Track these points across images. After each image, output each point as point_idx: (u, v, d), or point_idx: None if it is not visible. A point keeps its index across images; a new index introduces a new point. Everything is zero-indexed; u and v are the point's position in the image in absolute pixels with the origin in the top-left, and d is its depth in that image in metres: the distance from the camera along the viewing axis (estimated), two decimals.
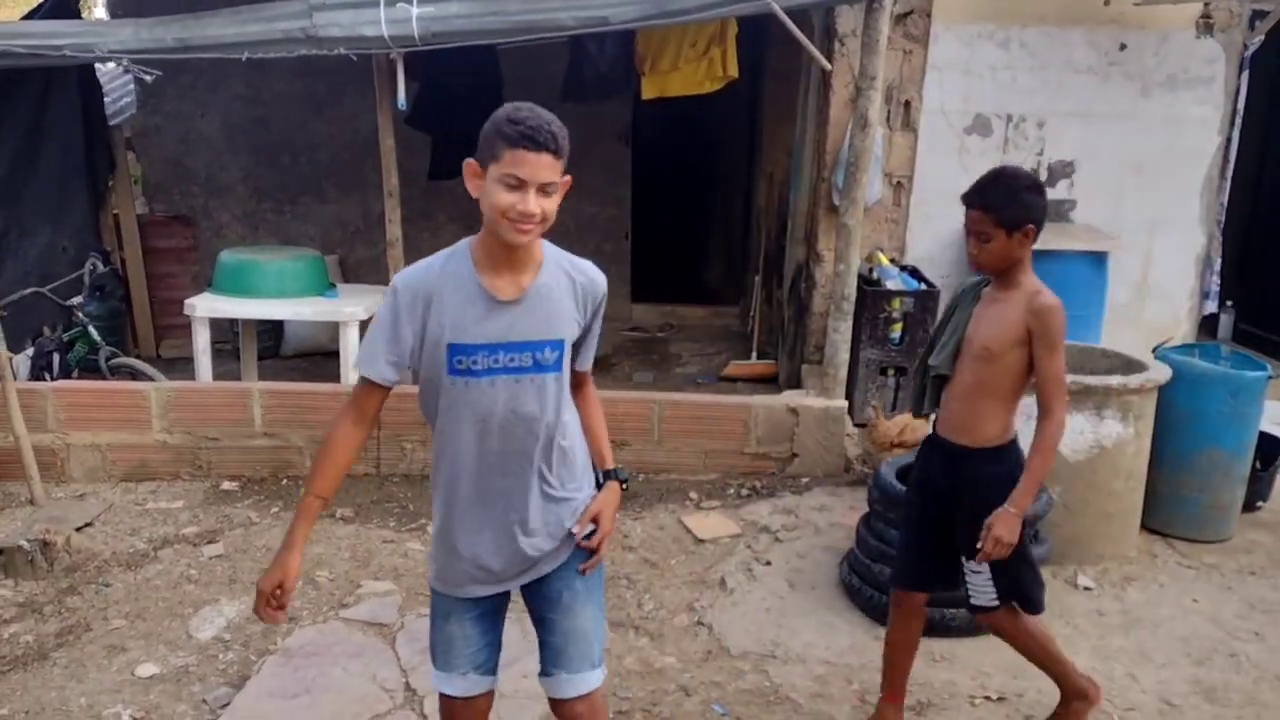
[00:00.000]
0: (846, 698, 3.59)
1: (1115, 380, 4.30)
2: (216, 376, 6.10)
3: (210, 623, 4.04)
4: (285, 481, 5.30)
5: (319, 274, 6.29)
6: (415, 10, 4.93)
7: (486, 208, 2.22)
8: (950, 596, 3.87)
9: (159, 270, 8.06)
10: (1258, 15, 6.02)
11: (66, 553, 4.44)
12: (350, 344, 5.81)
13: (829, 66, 5.47)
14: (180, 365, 7.12)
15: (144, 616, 4.09)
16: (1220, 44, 6.06)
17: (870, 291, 5.71)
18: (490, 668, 2.56)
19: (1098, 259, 5.86)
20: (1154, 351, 4.78)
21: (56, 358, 6.01)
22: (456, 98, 6.81)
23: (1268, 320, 7.25)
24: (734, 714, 3.48)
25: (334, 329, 6.17)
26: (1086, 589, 4.31)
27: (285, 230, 8.34)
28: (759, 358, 7.38)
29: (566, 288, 2.38)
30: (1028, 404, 3.01)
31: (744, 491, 5.19)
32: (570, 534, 2.47)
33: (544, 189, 2.21)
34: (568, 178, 2.29)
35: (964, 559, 3.09)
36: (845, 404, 5.35)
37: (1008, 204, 2.83)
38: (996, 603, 3.10)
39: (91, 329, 6.24)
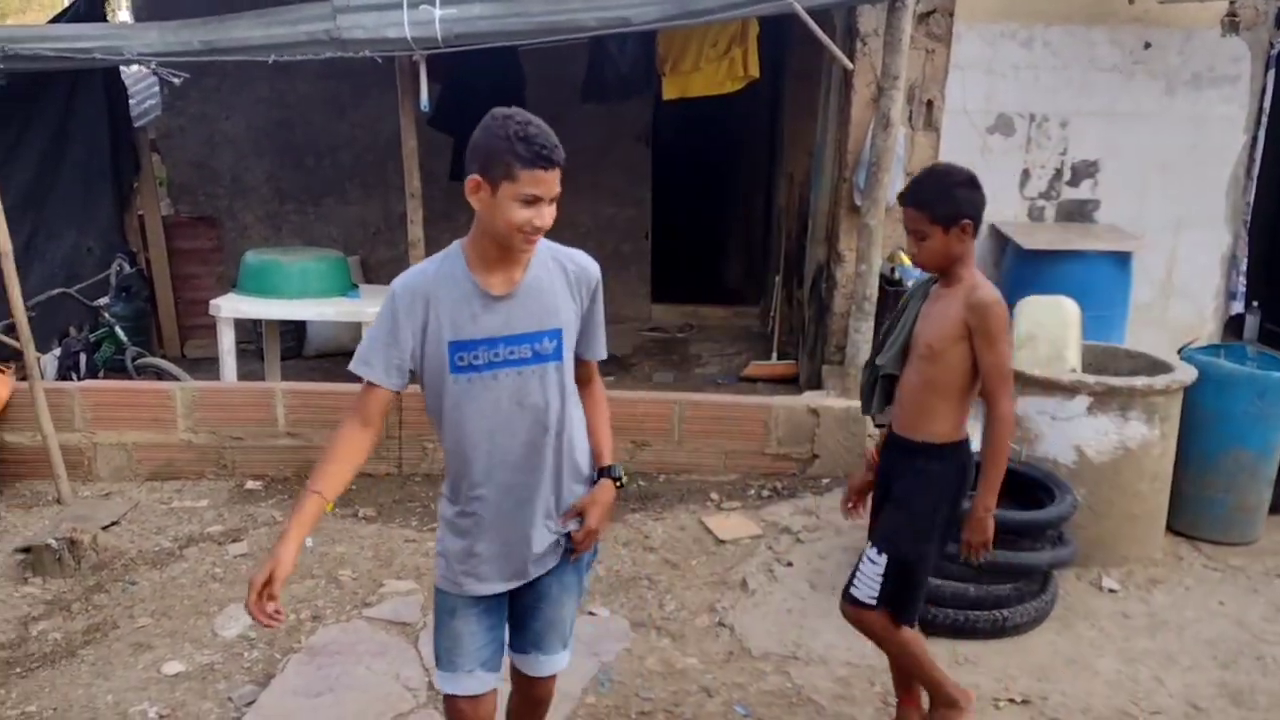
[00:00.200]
0: (869, 699, 3.58)
1: (1140, 381, 4.28)
2: (240, 377, 6.14)
3: (235, 621, 4.07)
4: (308, 481, 5.32)
5: (342, 275, 6.32)
6: (438, 12, 4.95)
7: (499, 222, 2.27)
8: (972, 599, 3.89)
9: (183, 271, 8.12)
10: None
11: (93, 551, 4.48)
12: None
13: (851, 66, 5.46)
14: (204, 365, 7.18)
15: (170, 615, 4.12)
16: (1246, 42, 6.00)
17: (892, 291, 5.67)
18: (495, 665, 2.58)
19: (1121, 259, 5.81)
20: (1179, 352, 4.75)
21: (83, 358, 6.06)
22: (478, 99, 6.74)
23: None
24: (756, 715, 3.48)
25: (356, 329, 6.20)
26: (1111, 591, 4.29)
27: (308, 231, 8.38)
28: (779, 358, 7.37)
29: (559, 277, 2.44)
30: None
31: (765, 492, 5.19)
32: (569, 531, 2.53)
33: (552, 200, 2.30)
34: None
35: (868, 543, 3.09)
36: None
37: (941, 201, 2.82)
38: (874, 602, 3.04)
39: (118, 329, 6.30)
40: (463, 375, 2.37)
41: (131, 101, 8.03)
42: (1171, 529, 4.67)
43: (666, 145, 8.89)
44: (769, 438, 5.30)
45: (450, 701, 2.58)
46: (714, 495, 5.15)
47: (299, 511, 2.36)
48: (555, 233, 2.39)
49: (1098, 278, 5.65)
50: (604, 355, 2.61)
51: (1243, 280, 6.34)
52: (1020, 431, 4.37)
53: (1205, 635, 3.98)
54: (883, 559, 3.01)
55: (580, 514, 2.52)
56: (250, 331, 7.39)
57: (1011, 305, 4.81)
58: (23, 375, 5.17)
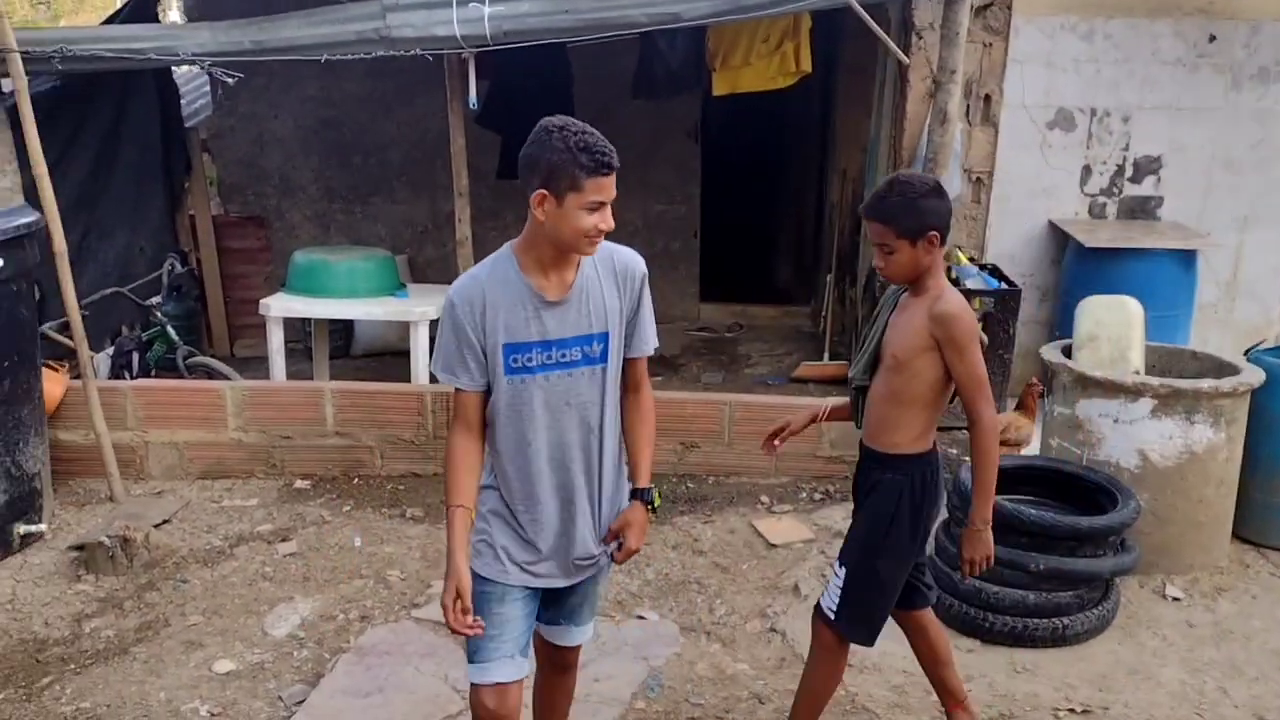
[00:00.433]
0: (925, 708, 3.50)
1: (1206, 384, 4.15)
2: (289, 376, 6.16)
3: (285, 620, 4.07)
4: (356, 481, 5.33)
5: (390, 274, 6.32)
6: (487, 9, 4.94)
7: (565, 231, 2.35)
8: (1031, 606, 3.79)
9: (233, 270, 8.18)
10: None
11: (145, 549, 4.51)
12: (420, 344, 5.82)
13: (906, 60, 5.36)
14: (253, 364, 7.23)
15: (220, 613, 4.13)
16: None
17: None
18: (526, 649, 2.64)
19: (1186, 257, 5.67)
20: (1246, 354, 4.60)
21: (136, 357, 6.12)
22: (526, 96, 6.80)
23: None
24: None
25: (403, 328, 6.20)
26: (1175, 599, 4.17)
27: (355, 230, 8.41)
28: (831, 359, 7.27)
29: (608, 277, 2.52)
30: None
31: (816, 495, 5.10)
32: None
33: (612, 204, 2.39)
34: None
35: (836, 558, 3.03)
36: None
37: (905, 214, 2.73)
38: (833, 614, 2.99)
39: (170, 328, 6.35)
40: (516, 376, 2.46)
41: (182, 101, 8.10)
42: (1238, 536, 4.54)
43: (716, 142, 8.81)
44: (821, 440, 5.22)
45: (479, 695, 2.58)
46: (764, 498, 5.07)
47: (454, 530, 2.46)
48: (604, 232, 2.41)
49: (1161, 277, 5.52)
50: (653, 347, 2.65)
51: None
52: (1082, 435, 4.27)
53: (1272, 645, 3.87)
54: (843, 571, 2.98)
55: (617, 536, 2.61)
56: (299, 330, 7.42)
57: (1073, 304, 4.73)
58: (77, 374, 5.22)
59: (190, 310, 7.32)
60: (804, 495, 5.10)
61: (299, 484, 5.31)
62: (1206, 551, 4.36)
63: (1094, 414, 4.24)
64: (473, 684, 2.59)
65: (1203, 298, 5.92)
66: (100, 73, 5.72)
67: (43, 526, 4.69)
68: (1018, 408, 5.00)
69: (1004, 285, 5.74)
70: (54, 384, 5.12)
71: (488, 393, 2.51)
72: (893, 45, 5.07)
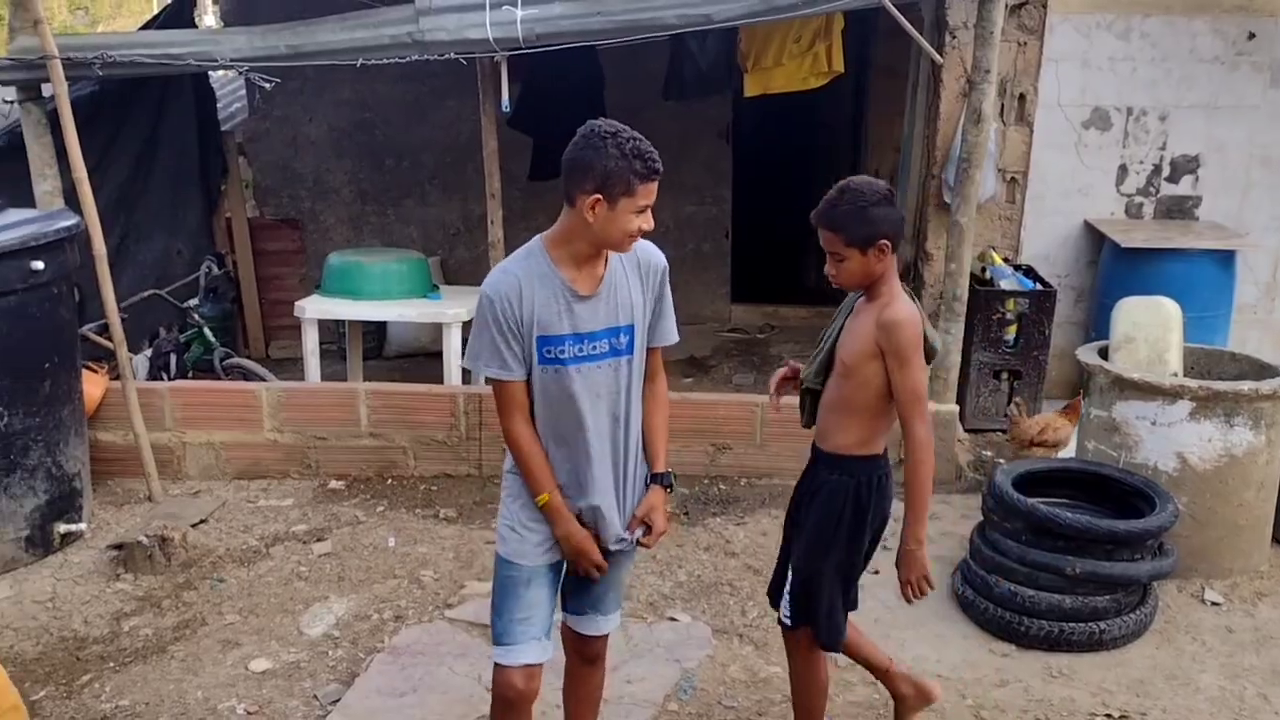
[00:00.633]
0: (960, 713, 3.48)
1: (1246, 386, 4.10)
2: (323, 377, 6.21)
3: (320, 620, 4.10)
4: (390, 481, 5.36)
5: (423, 276, 6.35)
6: (520, 12, 4.94)
7: (614, 232, 2.47)
8: (1068, 610, 3.76)
9: (268, 272, 8.24)
10: None
11: (183, 548, 4.56)
12: (453, 345, 5.85)
13: (940, 60, 5.33)
14: (288, 366, 7.29)
15: (256, 612, 4.17)
16: None
17: (983, 292, 5.54)
18: (550, 631, 2.74)
19: (1224, 258, 5.60)
20: None
21: (173, 358, 6.18)
22: (557, 99, 6.81)
23: None
24: None
25: (436, 330, 6.23)
26: (1214, 604, 4.13)
27: (388, 232, 8.46)
28: None
29: (632, 271, 2.63)
30: None
31: None
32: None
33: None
34: None
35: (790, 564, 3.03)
36: (956, 408, 5.19)
37: (855, 223, 2.72)
38: (790, 621, 3.01)
39: (207, 330, 6.42)
40: (549, 367, 2.56)
41: (218, 105, 8.18)
42: (1278, 540, 4.48)
43: (747, 142, 8.79)
44: None
45: (507, 677, 2.67)
46: None
47: (561, 512, 2.62)
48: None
49: (1199, 277, 5.46)
50: (674, 339, 2.77)
51: None
52: (1119, 437, 4.23)
53: None
54: (792, 576, 3.00)
55: (643, 521, 2.74)
56: (332, 332, 7.47)
57: (1109, 305, 4.69)
58: (116, 375, 5.28)
59: (226, 312, 7.39)
60: None
61: (333, 484, 5.35)
62: (1246, 556, 4.31)
63: (1131, 416, 4.20)
64: (501, 665, 2.68)
65: (1241, 298, 5.84)
66: (139, 78, 5.78)
67: (82, 526, 4.75)
68: (1064, 410, 4.98)
69: (1039, 286, 5.70)
70: (93, 385, 5.19)
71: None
72: (926, 45, 5.03)
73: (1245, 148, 5.92)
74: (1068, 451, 4.92)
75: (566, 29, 5.01)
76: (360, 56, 5.15)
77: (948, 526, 4.71)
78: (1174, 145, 5.94)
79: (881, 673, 3.27)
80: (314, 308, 6.13)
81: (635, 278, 2.62)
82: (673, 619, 4.05)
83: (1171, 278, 5.32)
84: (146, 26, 7.52)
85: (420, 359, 7.70)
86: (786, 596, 3.01)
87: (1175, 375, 4.28)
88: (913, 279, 6.18)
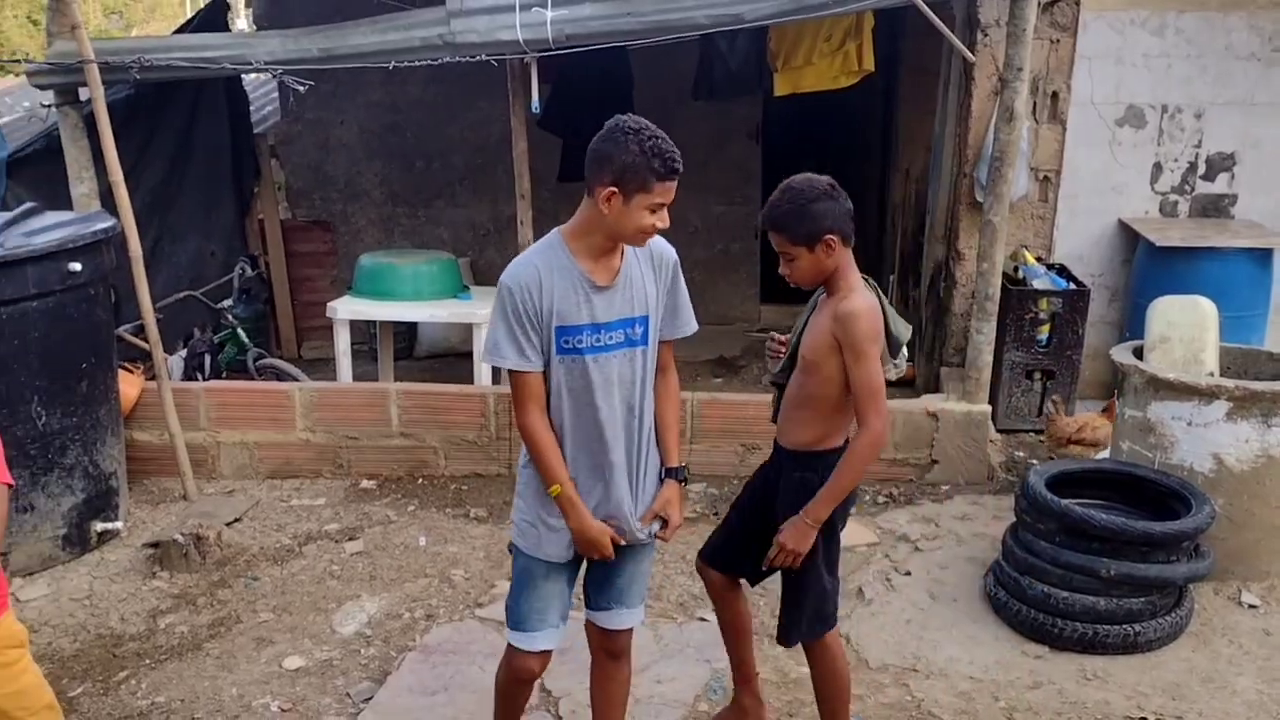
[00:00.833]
0: (994, 715, 3.46)
1: None
2: (354, 377, 6.25)
3: (352, 618, 4.13)
4: (420, 481, 5.39)
5: (453, 276, 6.39)
6: (550, 14, 4.95)
7: (627, 226, 2.50)
8: (1102, 612, 3.72)
9: (300, 274, 8.31)
10: None
11: (218, 547, 4.61)
12: (483, 346, 5.87)
13: (972, 58, 5.29)
14: (319, 366, 7.35)
15: (290, 610, 4.21)
16: None
17: (1015, 291, 5.50)
18: (566, 616, 2.84)
19: (1261, 256, 5.53)
20: None
21: (208, 359, 6.24)
22: (586, 99, 6.82)
23: None
24: None
25: (466, 330, 6.26)
26: (1252, 607, 4.07)
27: (418, 234, 8.51)
28: None
29: (645, 264, 2.66)
30: None
31: (880, 499, 5.06)
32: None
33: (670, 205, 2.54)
34: None
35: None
36: (988, 408, 5.16)
37: (798, 220, 2.72)
38: (802, 633, 3.02)
39: (240, 331, 6.48)
40: (567, 357, 2.60)
41: (251, 108, 8.26)
42: None
43: (777, 142, 8.76)
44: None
45: (524, 660, 2.80)
46: None
47: (575, 503, 2.64)
48: (665, 231, 2.55)
49: (1236, 276, 5.40)
50: (694, 328, 2.80)
51: None
52: (1154, 438, 4.18)
53: None
54: (791, 590, 3.00)
55: (659, 515, 2.78)
56: (364, 333, 7.53)
57: (1143, 305, 4.64)
58: (151, 375, 5.35)
59: (259, 313, 7.46)
60: (867, 498, 5.06)
61: (365, 484, 5.39)
62: None
63: (1166, 417, 4.15)
64: (517, 649, 2.79)
65: (1278, 297, 5.76)
66: (173, 81, 5.84)
67: (119, 524, 4.81)
68: (1104, 409, 4.94)
69: (1072, 285, 5.65)
70: (130, 385, 5.25)
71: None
72: (958, 43, 5.00)
73: None
74: (1102, 452, 4.87)
75: (596, 30, 5.02)
76: (392, 59, 5.19)
77: (980, 528, 4.68)
78: (1209, 143, 5.87)
79: (744, 680, 3.27)
80: (346, 309, 6.17)
81: (649, 270, 2.66)
82: (703, 619, 4.04)
83: (1207, 276, 5.26)
84: (181, 30, 7.59)
85: (450, 359, 7.74)
86: (797, 622, 2.99)
87: (1211, 375, 4.23)
88: (944, 278, 6.14)
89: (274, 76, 5.30)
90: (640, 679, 3.54)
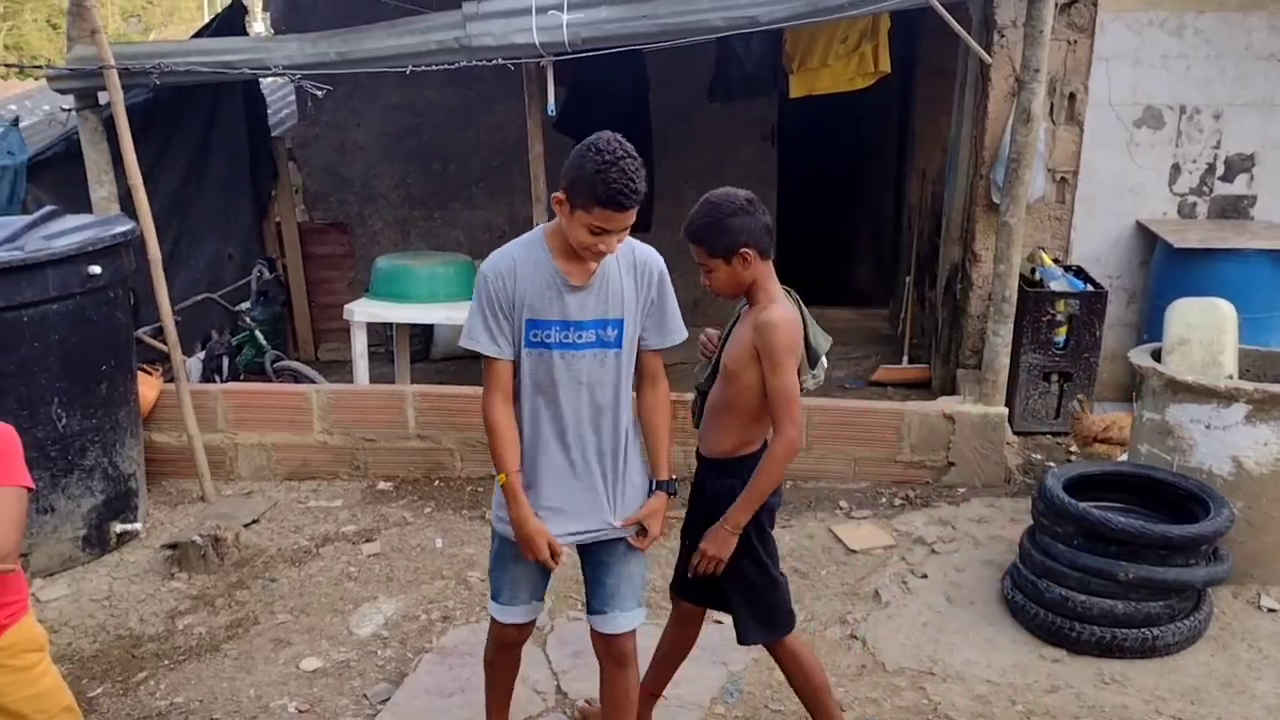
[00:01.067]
0: (1010, 718, 3.44)
1: None
2: (371, 379, 6.27)
3: (369, 619, 4.15)
4: (437, 483, 5.41)
5: (469, 279, 6.39)
6: (565, 17, 4.97)
7: (571, 234, 2.56)
8: (1120, 616, 3.70)
9: (317, 276, 8.35)
10: None
11: (236, 548, 4.63)
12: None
13: (988, 59, 5.28)
14: (336, 368, 7.38)
15: (307, 611, 4.23)
16: None
17: (1032, 293, 5.48)
18: (542, 594, 2.97)
19: None
20: None
21: (226, 360, 6.27)
22: (603, 102, 6.83)
23: None
24: None
25: None
26: (1271, 611, 4.04)
27: (435, 236, 8.54)
28: (910, 362, 7.19)
29: (627, 269, 2.70)
30: None
31: (896, 501, 5.05)
32: (634, 507, 2.83)
33: (622, 231, 2.57)
34: None
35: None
36: (1005, 411, 5.13)
37: (714, 235, 2.77)
38: (759, 637, 3.04)
39: (258, 333, 6.51)
40: (534, 350, 2.68)
41: (269, 111, 8.30)
42: None
43: (792, 143, 8.76)
44: (901, 444, 5.16)
45: (503, 630, 2.95)
46: (843, 503, 5.03)
47: (519, 496, 2.71)
48: (681, 233, 2.60)
49: (1255, 278, 5.36)
50: (682, 336, 2.82)
51: None
52: (1172, 440, 4.16)
53: None
54: (739, 598, 3.02)
55: (640, 523, 2.82)
56: (380, 335, 7.55)
57: (1161, 307, 4.61)
58: (170, 377, 5.38)
59: (277, 315, 7.50)
60: (884, 500, 5.05)
61: (381, 485, 5.41)
62: None
63: (1185, 419, 4.13)
64: (496, 620, 2.95)
65: None
66: (192, 85, 5.88)
67: (138, 525, 4.84)
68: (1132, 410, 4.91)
69: (1090, 287, 5.63)
70: (148, 387, 5.29)
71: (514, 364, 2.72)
72: (974, 44, 4.99)
73: None
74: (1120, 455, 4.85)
75: (612, 33, 5.03)
76: (409, 63, 5.21)
77: (997, 530, 4.67)
78: (1228, 144, 5.83)
79: (648, 695, 3.28)
80: (362, 311, 6.19)
81: (630, 275, 2.70)
82: (718, 621, 4.03)
83: (1226, 278, 5.22)
84: (199, 34, 7.64)
85: (466, 361, 7.74)
86: (750, 622, 3.03)
87: (1230, 378, 4.20)
88: (961, 280, 6.12)
89: (292, 81, 5.33)
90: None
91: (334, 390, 5.60)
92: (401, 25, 5.30)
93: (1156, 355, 4.38)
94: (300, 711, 3.58)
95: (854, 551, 4.57)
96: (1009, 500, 4.96)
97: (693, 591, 3.13)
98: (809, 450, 5.24)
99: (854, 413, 5.29)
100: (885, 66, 6.11)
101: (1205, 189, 5.91)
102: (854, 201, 10.50)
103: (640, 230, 2.78)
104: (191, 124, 7.05)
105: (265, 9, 9.45)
